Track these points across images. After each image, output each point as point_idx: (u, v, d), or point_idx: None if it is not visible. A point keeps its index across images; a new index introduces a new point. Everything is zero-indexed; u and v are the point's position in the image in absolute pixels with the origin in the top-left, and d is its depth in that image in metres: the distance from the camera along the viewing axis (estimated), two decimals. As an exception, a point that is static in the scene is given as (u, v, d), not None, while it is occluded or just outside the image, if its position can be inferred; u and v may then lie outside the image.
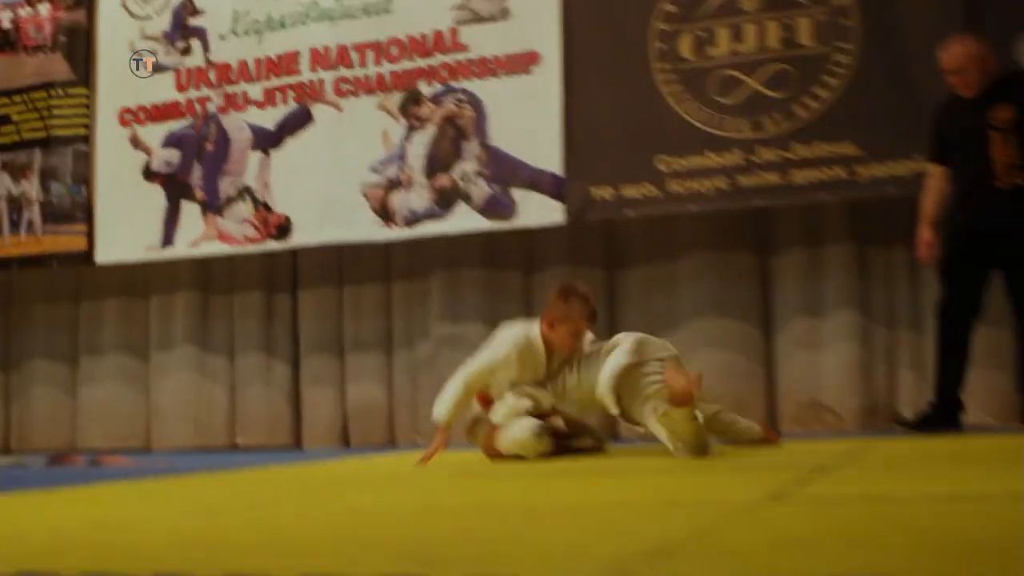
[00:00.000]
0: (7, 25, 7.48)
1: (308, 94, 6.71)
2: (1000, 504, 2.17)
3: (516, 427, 4.29)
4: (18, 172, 7.28)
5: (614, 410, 4.18)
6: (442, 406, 4.32)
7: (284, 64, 6.78)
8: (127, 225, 6.98)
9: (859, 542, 1.75)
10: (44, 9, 7.38)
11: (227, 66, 6.92)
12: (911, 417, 5.12)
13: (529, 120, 6.20)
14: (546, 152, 6.15)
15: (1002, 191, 4.68)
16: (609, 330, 6.37)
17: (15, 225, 7.27)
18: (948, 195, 4.92)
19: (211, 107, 6.93)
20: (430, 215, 6.39)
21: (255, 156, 6.79)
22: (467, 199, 6.32)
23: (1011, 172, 4.67)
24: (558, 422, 4.44)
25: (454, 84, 6.43)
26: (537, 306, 6.44)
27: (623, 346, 4.24)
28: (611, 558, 1.62)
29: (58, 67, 7.25)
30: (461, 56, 6.42)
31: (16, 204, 7.28)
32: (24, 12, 7.45)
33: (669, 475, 3.31)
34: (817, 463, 3.41)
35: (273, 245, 6.71)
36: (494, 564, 1.66)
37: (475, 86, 6.38)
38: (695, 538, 1.81)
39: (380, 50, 6.61)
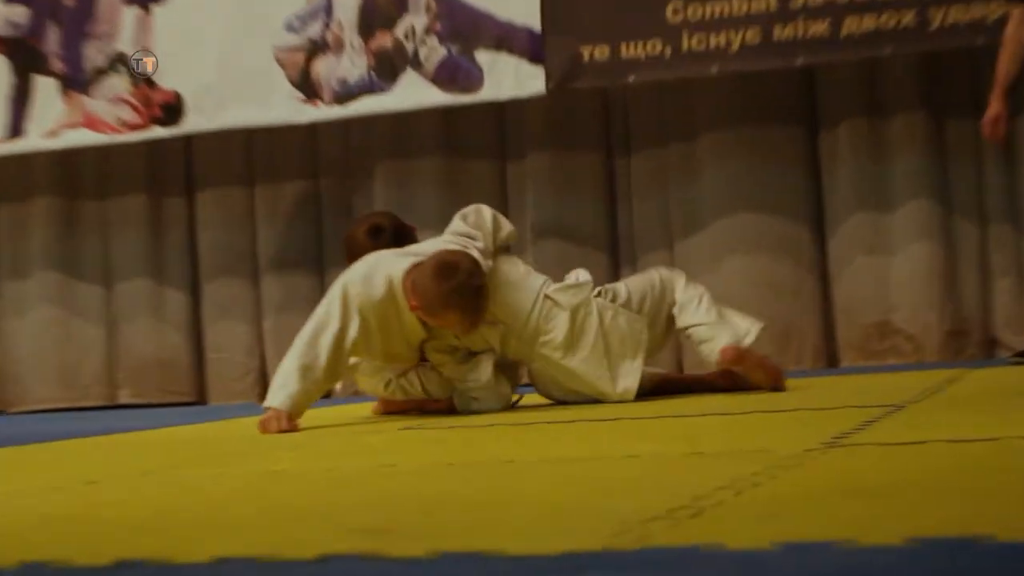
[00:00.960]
0: None
1: (198, -73, 6.63)
2: None
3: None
4: None
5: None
6: (279, 393, 3.96)
7: None
8: (-40, 110, 6.91)
9: (940, 490, 1.77)
10: None
11: None
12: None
13: (496, -44, 6.16)
14: (520, 1, 6.11)
15: None
16: (612, 234, 6.39)
17: None
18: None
19: (68, -52, 6.84)
20: (367, 87, 6.35)
21: (130, 12, 6.71)
22: (416, 65, 6.28)
23: None
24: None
25: (394, -91, 6.37)
26: (512, 204, 6.44)
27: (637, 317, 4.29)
28: (624, 520, 1.64)
29: None
30: None
31: None
32: None
33: (688, 421, 3.35)
34: (886, 401, 3.44)
35: (159, 132, 6.66)
36: (476, 533, 1.68)
37: (423, -89, 6.33)
38: (729, 493, 1.84)
39: None
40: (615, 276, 6.33)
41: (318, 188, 6.86)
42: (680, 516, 1.67)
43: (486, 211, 4.36)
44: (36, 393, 7.10)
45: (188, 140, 6.88)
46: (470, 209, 4.38)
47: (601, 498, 1.95)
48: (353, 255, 4.28)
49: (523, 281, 4.28)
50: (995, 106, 5.02)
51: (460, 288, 3.94)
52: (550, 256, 6.26)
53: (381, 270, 4.07)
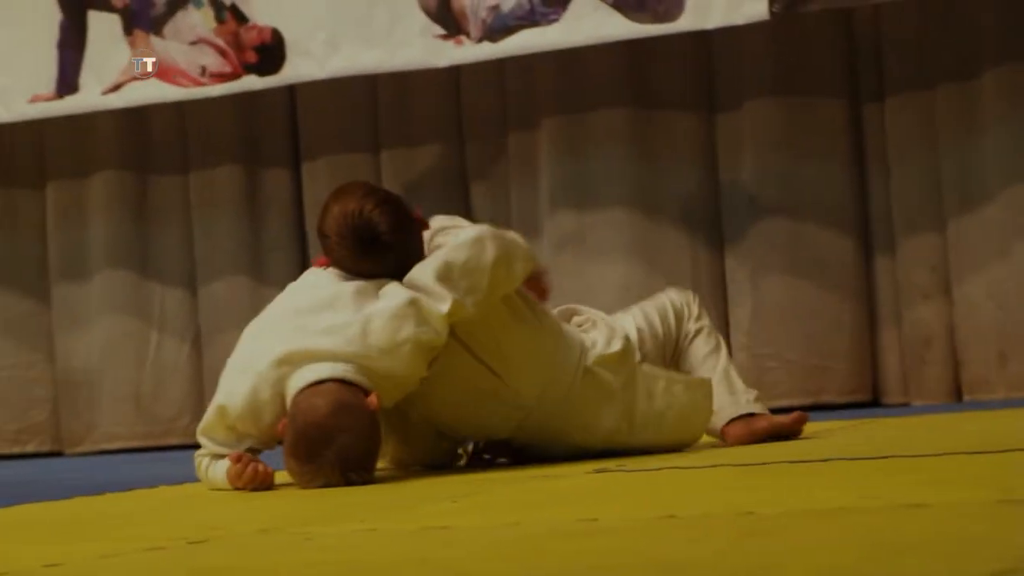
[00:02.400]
0: None
1: None
2: None
3: None
4: None
5: None
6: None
7: None
8: (-2, 62, 7.04)
9: None
10: None
11: None
12: None
13: None
14: None
15: None
16: (861, 211, 6.33)
17: None
18: None
19: None
20: (528, 17, 6.35)
21: (215, -74, 6.80)
22: (593, -15, 6.28)
23: None
24: None
25: None
26: (724, 169, 6.41)
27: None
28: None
29: None
30: None
31: None
32: None
33: (989, 459, 3.29)
34: None
35: (255, 82, 6.75)
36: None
37: None
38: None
39: None
40: (866, 266, 6.38)
41: (463, 153, 6.89)
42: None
43: (485, 266, 3.85)
44: (103, 429, 7.24)
45: (291, 93, 7.00)
46: (457, 250, 3.87)
47: (889, 562, 1.91)
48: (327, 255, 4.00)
49: (553, 354, 4.06)
50: None
51: (319, 471, 3.67)
52: (779, 238, 6.24)
53: (266, 386, 3.76)
